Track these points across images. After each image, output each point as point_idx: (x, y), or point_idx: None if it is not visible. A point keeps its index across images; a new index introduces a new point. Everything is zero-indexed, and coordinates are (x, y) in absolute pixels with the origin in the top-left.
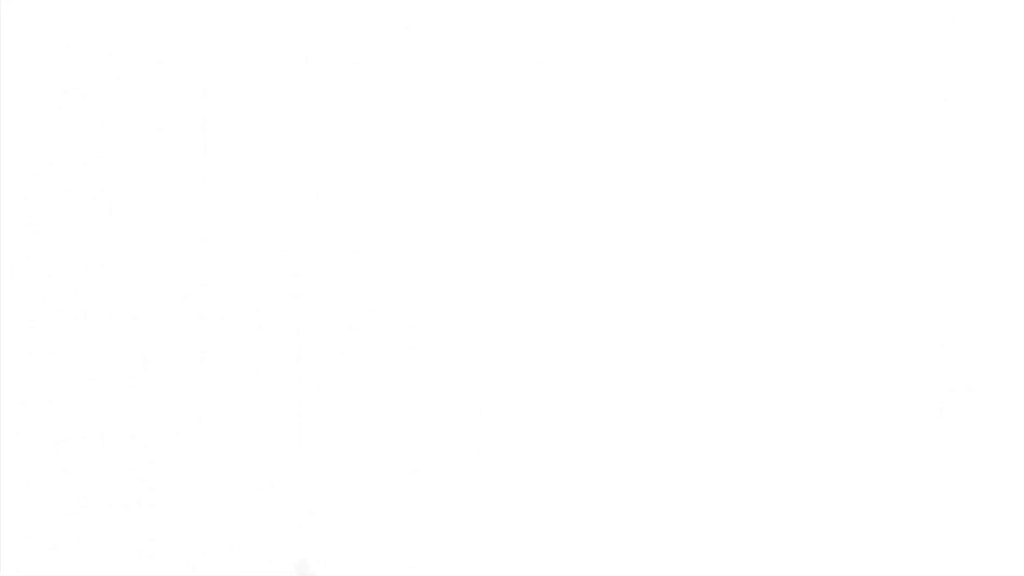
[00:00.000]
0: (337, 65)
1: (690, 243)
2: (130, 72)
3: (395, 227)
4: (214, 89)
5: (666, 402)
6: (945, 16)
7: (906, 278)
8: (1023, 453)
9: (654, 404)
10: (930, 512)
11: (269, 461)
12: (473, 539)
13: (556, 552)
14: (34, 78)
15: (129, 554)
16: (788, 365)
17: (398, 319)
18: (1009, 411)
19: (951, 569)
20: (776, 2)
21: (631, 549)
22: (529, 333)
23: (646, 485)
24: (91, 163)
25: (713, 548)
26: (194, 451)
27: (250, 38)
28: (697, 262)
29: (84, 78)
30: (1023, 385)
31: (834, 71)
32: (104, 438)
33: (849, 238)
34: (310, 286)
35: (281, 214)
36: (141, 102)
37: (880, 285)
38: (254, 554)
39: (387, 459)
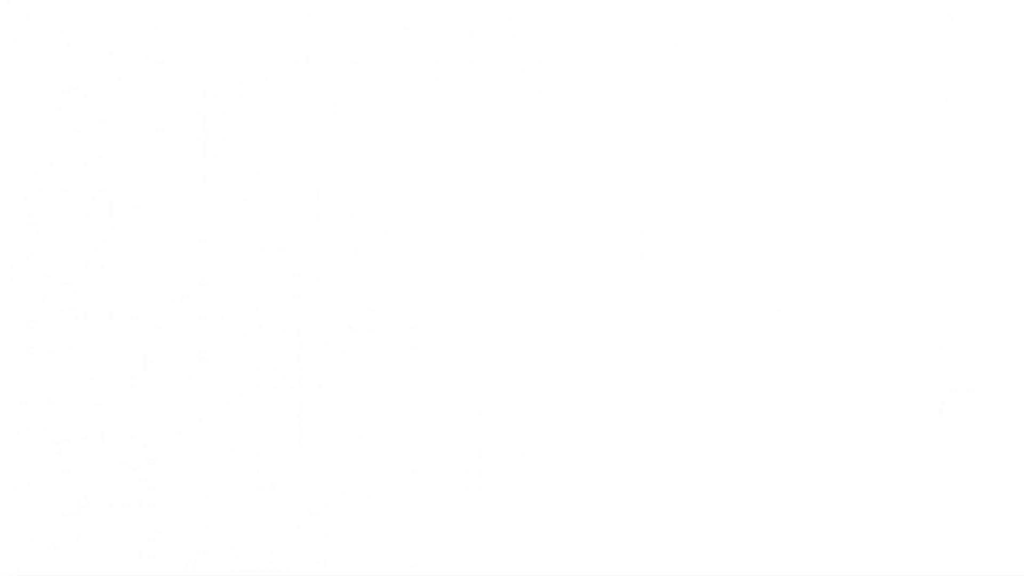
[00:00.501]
0: (337, 65)
1: (690, 243)
2: (130, 72)
3: (395, 227)
4: (214, 89)
5: (666, 402)
6: (945, 16)
7: (906, 278)
8: (1023, 453)
9: (654, 404)
10: (930, 512)
11: (269, 461)
12: (473, 539)
13: (556, 552)
14: (34, 78)
15: (129, 554)
16: (787, 365)
17: (398, 319)
18: (1009, 411)
19: (951, 569)
20: (776, 2)
21: (631, 549)
22: (529, 333)
23: (646, 485)
24: (91, 163)
25: (713, 548)
26: (194, 451)
27: (250, 38)
28: (697, 262)
29: (84, 78)
30: (1023, 385)
31: (834, 71)
32: (104, 438)
33: (849, 238)
34: (310, 286)
35: (281, 214)
36: (141, 102)
37: (880, 285)
38: (254, 554)
39: (387, 459)
